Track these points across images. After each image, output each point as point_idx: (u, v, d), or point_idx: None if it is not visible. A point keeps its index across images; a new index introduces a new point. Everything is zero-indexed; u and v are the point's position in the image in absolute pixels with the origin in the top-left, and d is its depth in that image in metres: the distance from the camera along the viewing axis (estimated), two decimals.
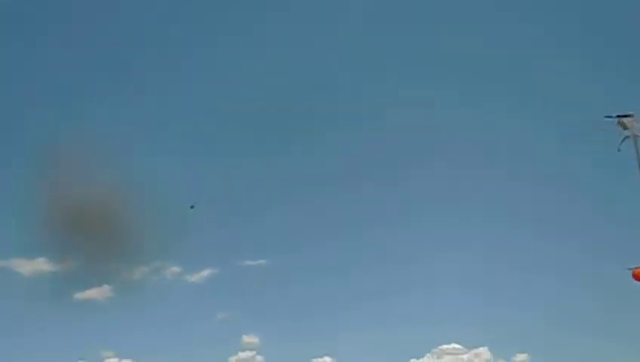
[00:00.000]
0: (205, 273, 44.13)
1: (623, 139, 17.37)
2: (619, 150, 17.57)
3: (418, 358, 34.75)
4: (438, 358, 34.64)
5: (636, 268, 17.27)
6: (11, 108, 44.35)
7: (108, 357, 42.57)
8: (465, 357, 34.33)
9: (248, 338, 39.29)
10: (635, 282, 17.30)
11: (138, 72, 43.75)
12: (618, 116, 17.39)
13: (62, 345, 44.54)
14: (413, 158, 37.95)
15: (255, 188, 40.94)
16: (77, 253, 39.89)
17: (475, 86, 38.39)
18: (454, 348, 34.52)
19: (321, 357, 37.42)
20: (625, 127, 17.26)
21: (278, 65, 40.82)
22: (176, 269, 46.48)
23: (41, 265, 50.39)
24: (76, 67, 46.08)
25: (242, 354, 40.14)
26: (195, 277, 44.17)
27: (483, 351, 34.34)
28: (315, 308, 37.77)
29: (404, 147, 37.90)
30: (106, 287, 47.65)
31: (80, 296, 46.45)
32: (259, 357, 38.95)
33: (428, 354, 34.76)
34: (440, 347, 34.65)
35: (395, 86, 39.06)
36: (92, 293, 49.80)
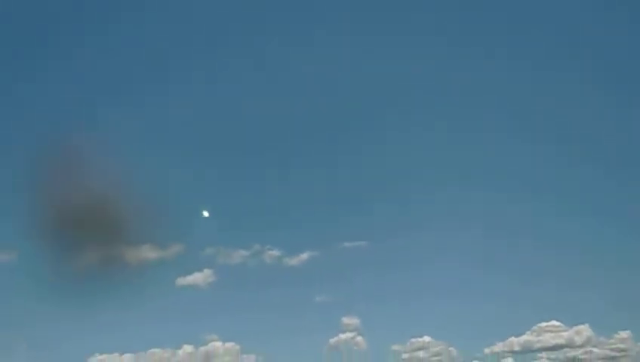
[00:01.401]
0: (304, 256, 44.98)
1: None
2: None
3: (518, 336, 35.24)
4: (537, 336, 35.03)
5: None
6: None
7: (212, 341, 44.03)
8: (565, 334, 34.55)
9: (348, 320, 40.02)
10: None
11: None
12: None
13: (167, 330, 46.40)
14: None
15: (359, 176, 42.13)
16: (179, 240, 41.58)
17: None
18: (554, 326, 34.81)
19: (421, 336, 38.24)
20: None
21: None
22: (275, 253, 47.47)
23: (146, 251, 51.84)
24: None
25: (342, 336, 40.90)
26: (294, 261, 45.14)
27: (584, 328, 34.49)
28: (413, 289, 38.55)
29: None
30: (207, 272, 49.12)
31: (182, 281, 48.13)
32: (359, 339, 39.69)
33: (528, 332, 35.21)
34: (539, 324, 35.00)
35: None
36: (194, 278, 51.31)
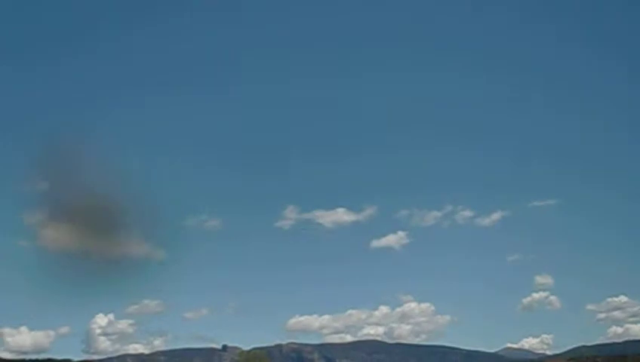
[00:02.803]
0: (496, 215, 44.46)
1: None
2: None
3: None
4: None
5: None
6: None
7: (407, 301, 43.88)
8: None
9: (541, 279, 39.19)
10: None
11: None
12: None
13: (363, 291, 46.26)
14: None
15: None
16: (373, 203, 41.29)
17: None
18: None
19: (617, 296, 37.27)
20: None
21: None
22: (467, 213, 46.97)
23: (340, 215, 50.08)
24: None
25: (535, 295, 40.02)
26: (486, 221, 44.80)
27: None
28: (608, 246, 37.34)
29: None
30: (401, 234, 48.86)
31: (377, 243, 48.16)
32: (552, 298, 38.48)
33: None
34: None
35: None
36: (388, 240, 51.24)
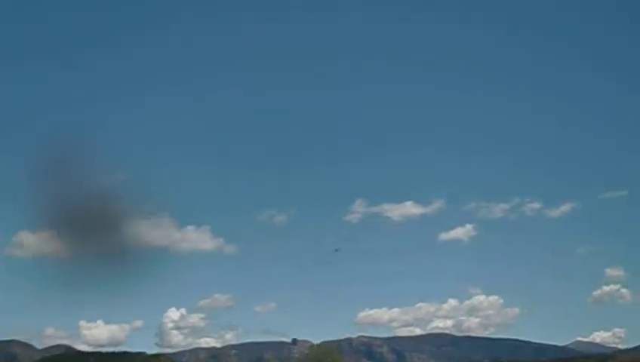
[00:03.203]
0: (565, 207, 46.91)
1: None
2: None
3: None
4: None
5: None
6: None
7: (475, 294, 47.55)
8: None
9: (612, 272, 41.00)
10: None
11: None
12: None
13: (431, 284, 49.98)
14: None
15: None
16: (441, 196, 45.00)
17: None
18: None
19: None
20: None
21: None
22: (535, 205, 49.78)
23: (409, 208, 53.35)
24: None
25: (606, 288, 42.14)
26: (554, 212, 47.68)
27: None
28: None
29: None
30: (468, 227, 52.39)
31: (445, 236, 52.06)
32: (624, 291, 40.15)
33: None
34: None
35: None
36: (456, 233, 54.85)
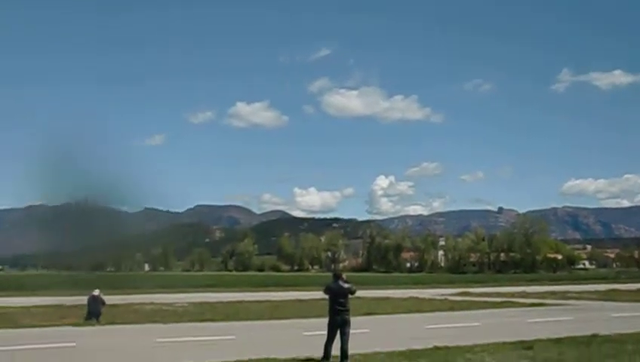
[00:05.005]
0: None
1: None
2: None
3: None
4: None
5: None
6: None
7: None
8: None
9: None
10: None
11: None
12: None
13: (638, 156, 57.99)
14: None
15: None
16: None
17: None
18: None
19: None
20: None
21: None
22: None
23: (617, 77, 63.90)
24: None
25: None
26: None
27: None
28: None
29: None
30: None
31: None
32: None
33: None
34: None
35: None
36: None
